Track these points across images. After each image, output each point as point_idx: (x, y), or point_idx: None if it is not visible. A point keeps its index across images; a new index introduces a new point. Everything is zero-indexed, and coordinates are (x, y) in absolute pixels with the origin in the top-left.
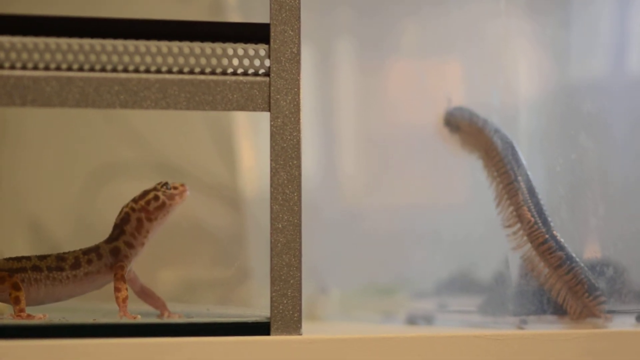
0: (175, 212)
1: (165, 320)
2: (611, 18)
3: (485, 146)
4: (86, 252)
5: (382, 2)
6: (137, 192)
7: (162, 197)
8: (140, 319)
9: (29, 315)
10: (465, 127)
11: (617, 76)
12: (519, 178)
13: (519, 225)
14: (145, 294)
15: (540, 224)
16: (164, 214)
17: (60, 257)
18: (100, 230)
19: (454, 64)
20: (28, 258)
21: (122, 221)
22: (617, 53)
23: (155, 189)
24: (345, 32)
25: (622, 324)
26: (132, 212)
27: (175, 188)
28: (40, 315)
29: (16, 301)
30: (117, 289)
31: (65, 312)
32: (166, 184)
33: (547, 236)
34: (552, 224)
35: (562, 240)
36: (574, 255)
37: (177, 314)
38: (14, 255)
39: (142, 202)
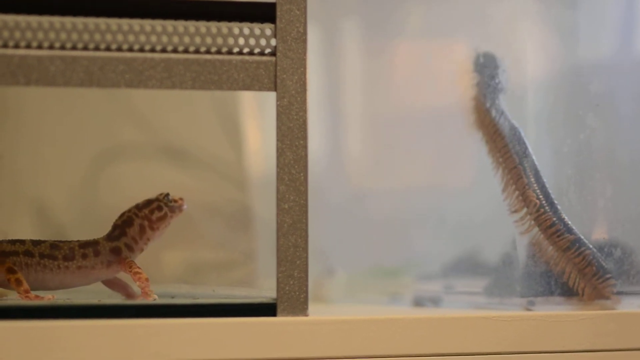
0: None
1: (172, 301)
2: None
3: (490, 129)
4: (83, 245)
5: None
6: (141, 173)
7: (164, 208)
8: (157, 299)
9: (37, 297)
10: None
11: (625, 56)
12: (524, 162)
13: (525, 209)
14: (114, 283)
15: (546, 207)
16: (165, 224)
17: (55, 246)
18: (103, 213)
19: (461, 45)
20: (23, 242)
21: (125, 223)
22: (624, 33)
23: (157, 199)
24: (352, 13)
25: (630, 305)
26: (135, 217)
27: (175, 201)
28: (50, 296)
29: (18, 283)
30: (136, 273)
31: (70, 293)
32: (167, 195)
33: (554, 219)
34: (559, 207)
35: (569, 222)
36: (582, 237)
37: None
38: (17, 238)
39: (146, 211)
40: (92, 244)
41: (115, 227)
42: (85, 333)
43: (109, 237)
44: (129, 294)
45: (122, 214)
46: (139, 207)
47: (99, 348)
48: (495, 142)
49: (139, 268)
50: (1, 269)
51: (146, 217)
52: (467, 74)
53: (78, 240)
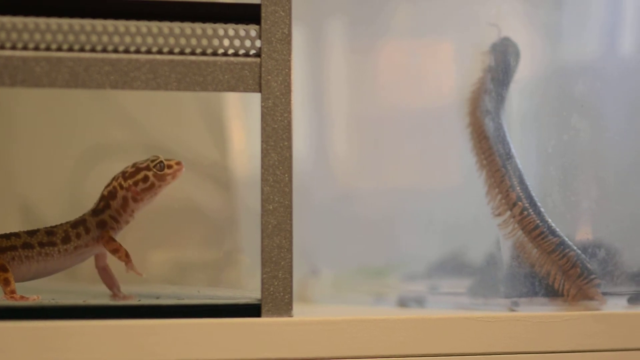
0: (165, 191)
1: (157, 301)
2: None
3: (475, 128)
4: (74, 225)
5: None
6: None
7: (151, 178)
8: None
9: (22, 297)
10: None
11: (610, 58)
12: (507, 164)
13: (509, 212)
14: (106, 273)
15: (530, 210)
16: (151, 195)
17: (50, 232)
18: None
19: (446, 44)
20: (17, 235)
21: (110, 195)
22: (610, 35)
23: (147, 167)
24: (337, 13)
25: (614, 306)
26: (119, 188)
27: (169, 167)
28: (35, 296)
29: (6, 283)
30: (115, 251)
31: (55, 294)
32: (160, 162)
33: (537, 222)
34: (542, 209)
35: (553, 225)
36: (566, 239)
37: (131, 296)
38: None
39: (130, 182)
40: (81, 222)
41: (101, 198)
42: (70, 333)
43: (95, 211)
44: (114, 292)
45: (109, 183)
46: (125, 177)
47: (84, 348)
48: (479, 140)
49: (114, 242)
50: None
51: (130, 188)
52: (479, 58)
53: (67, 222)
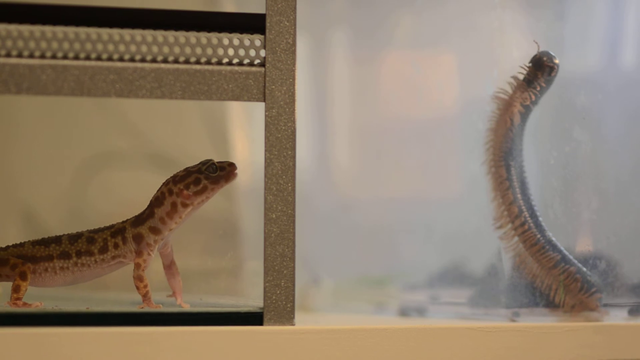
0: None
1: (160, 309)
2: (605, 12)
3: (499, 136)
4: (113, 234)
5: None
6: (129, 181)
7: (204, 181)
8: (161, 308)
9: (25, 304)
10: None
11: (611, 70)
12: (512, 175)
13: (510, 225)
14: (171, 272)
15: (531, 224)
16: (202, 199)
17: (91, 239)
18: (92, 219)
19: (449, 55)
20: (58, 241)
21: (156, 201)
22: (611, 47)
23: (198, 170)
24: (341, 23)
25: (614, 317)
26: (168, 194)
27: (222, 169)
28: (37, 303)
29: (16, 290)
30: (138, 288)
31: (59, 301)
32: (212, 165)
33: (538, 236)
34: (543, 224)
35: (554, 239)
36: (567, 253)
37: (187, 305)
38: (5, 243)
39: (181, 185)
40: (121, 231)
41: (149, 205)
42: (73, 341)
43: (137, 219)
44: (176, 296)
45: (159, 189)
46: (175, 181)
47: (86, 355)
48: (495, 150)
49: (141, 282)
50: (16, 271)
51: (181, 192)
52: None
53: (109, 229)
